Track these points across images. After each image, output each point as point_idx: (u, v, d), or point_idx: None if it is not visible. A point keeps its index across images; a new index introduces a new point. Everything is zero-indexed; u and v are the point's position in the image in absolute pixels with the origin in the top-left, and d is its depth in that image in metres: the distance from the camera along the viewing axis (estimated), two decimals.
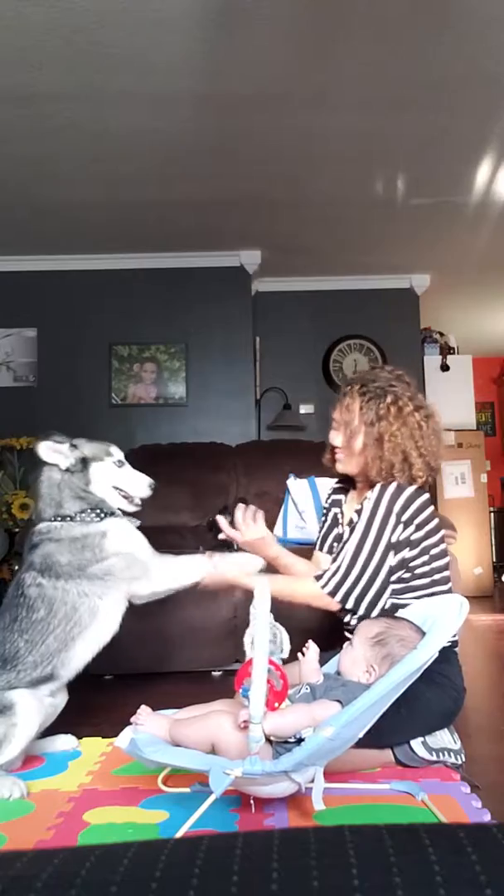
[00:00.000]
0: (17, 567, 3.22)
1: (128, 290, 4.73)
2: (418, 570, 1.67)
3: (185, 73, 2.82)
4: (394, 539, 1.64)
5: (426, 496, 1.71)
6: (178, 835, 1.23)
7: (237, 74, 2.84)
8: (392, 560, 1.65)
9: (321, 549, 1.97)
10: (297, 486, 3.24)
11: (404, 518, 1.65)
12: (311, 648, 1.52)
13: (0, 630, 1.66)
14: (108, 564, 1.70)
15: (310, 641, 1.54)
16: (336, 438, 1.80)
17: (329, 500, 2.00)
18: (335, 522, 1.95)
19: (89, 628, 1.67)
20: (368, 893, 0.35)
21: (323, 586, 1.67)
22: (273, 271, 4.91)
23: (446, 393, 5.53)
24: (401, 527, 1.65)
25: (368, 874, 0.36)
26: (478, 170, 3.63)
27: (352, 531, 1.69)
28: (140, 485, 1.87)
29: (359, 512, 1.71)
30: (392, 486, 1.67)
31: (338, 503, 1.96)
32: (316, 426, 4.75)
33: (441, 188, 3.84)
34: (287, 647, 1.46)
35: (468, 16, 2.53)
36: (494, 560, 5.85)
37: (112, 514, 1.78)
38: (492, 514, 6.18)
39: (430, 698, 1.56)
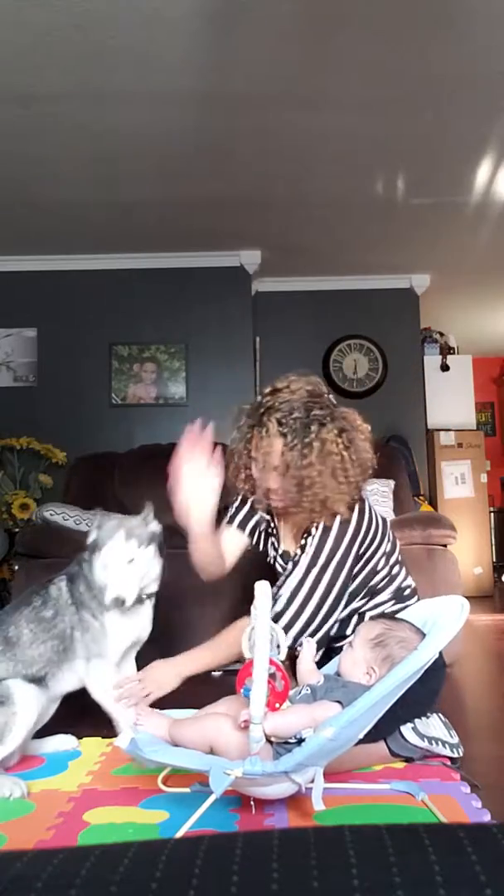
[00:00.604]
0: (16, 567, 3.22)
1: (128, 290, 4.73)
2: (378, 577, 1.68)
3: (185, 72, 2.82)
4: (350, 585, 1.63)
5: (366, 515, 1.66)
6: (178, 835, 1.23)
7: (237, 74, 2.84)
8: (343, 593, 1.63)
9: (231, 523, 1.86)
10: None
11: (365, 553, 1.64)
12: (306, 647, 1.51)
13: (13, 610, 1.72)
14: (90, 624, 1.68)
15: (304, 640, 1.54)
16: (255, 472, 1.68)
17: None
18: (262, 521, 1.85)
19: (74, 661, 1.69)
20: (368, 893, 0.35)
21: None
22: (273, 271, 4.91)
23: (446, 393, 5.54)
24: (364, 563, 1.64)
25: (368, 874, 0.36)
26: (478, 170, 3.63)
27: (295, 571, 1.62)
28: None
29: (302, 548, 1.64)
30: (334, 531, 1.60)
31: (265, 508, 1.82)
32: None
33: (441, 188, 3.84)
34: (285, 648, 1.46)
35: (468, 16, 2.53)
36: (494, 560, 5.85)
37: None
38: (492, 514, 6.18)
39: (415, 681, 1.55)
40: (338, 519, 1.61)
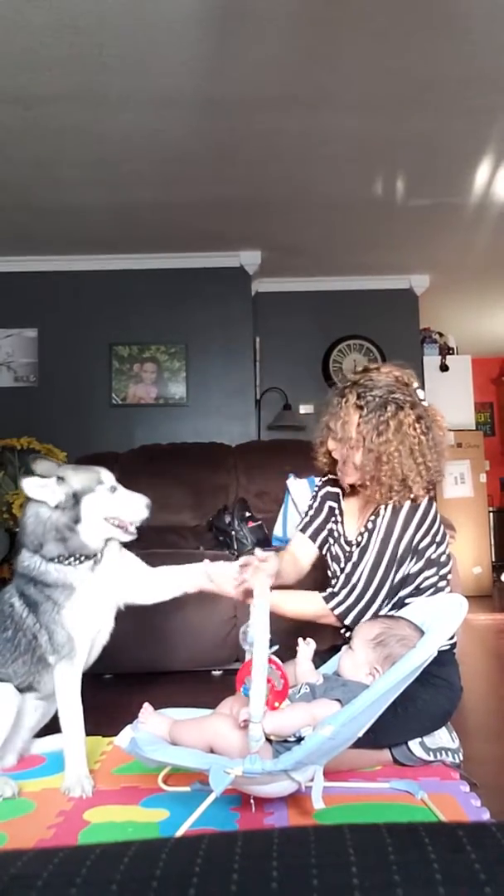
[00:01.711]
0: None
1: (128, 291, 4.73)
2: (427, 582, 1.68)
3: (185, 74, 2.82)
4: (408, 569, 1.64)
5: (434, 510, 1.69)
6: (179, 834, 1.23)
7: (237, 76, 2.84)
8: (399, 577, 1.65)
9: (304, 531, 1.89)
10: (297, 486, 3.24)
11: (420, 544, 1.65)
12: (304, 646, 1.52)
13: None
14: (52, 625, 1.61)
15: (301, 639, 1.54)
16: (335, 451, 1.72)
17: (322, 492, 1.89)
18: (331, 515, 1.87)
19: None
20: (368, 892, 0.35)
21: (333, 608, 1.64)
22: (273, 272, 4.91)
23: (446, 393, 5.53)
24: (416, 555, 1.65)
25: (368, 872, 0.36)
26: (477, 170, 3.63)
27: (362, 552, 1.65)
28: (136, 508, 1.71)
29: (368, 531, 1.66)
30: (404, 511, 1.63)
31: (333, 497, 1.86)
32: (316, 426, 4.74)
33: (441, 189, 3.84)
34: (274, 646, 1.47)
35: (468, 16, 2.53)
36: (493, 560, 5.85)
37: (93, 557, 1.65)
38: (491, 513, 6.18)
39: (428, 700, 1.56)
40: (407, 503, 1.63)
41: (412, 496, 1.63)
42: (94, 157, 3.45)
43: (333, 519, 1.86)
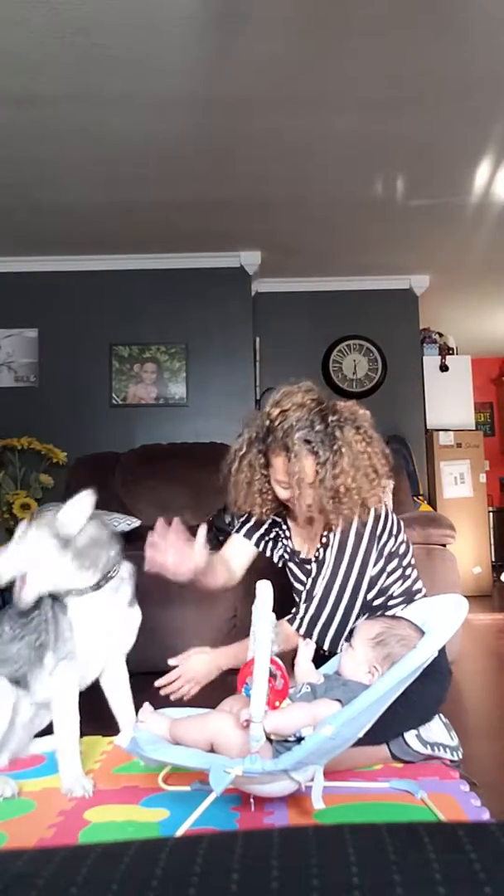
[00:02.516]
0: None
1: (128, 291, 4.73)
2: (391, 578, 1.68)
3: (185, 74, 2.82)
4: (372, 573, 1.64)
5: (386, 514, 1.68)
6: (179, 833, 1.23)
7: (237, 76, 2.84)
8: (366, 590, 1.64)
9: (239, 531, 1.86)
10: None
11: (379, 543, 1.65)
12: (303, 646, 1.52)
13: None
14: (58, 618, 1.62)
15: (301, 639, 1.54)
16: (284, 494, 1.66)
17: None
18: (275, 525, 1.84)
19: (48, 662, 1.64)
20: (368, 892, 0.35)
21: (297, 628, 1.63)
22: (273, 272, 4.91)
23: (445, 393, 5.54)
24: (381, 560, 1.65)
25: (368, 872, 0.36)
26: (477, 171, 3.63)
27: (320, 566, 1.64)
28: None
29: (324, 546, 1.65)
30: (355, 525, 1.61)
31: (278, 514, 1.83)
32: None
33: (440, 189, 3.84)
34: (311, 646, 1.48)
35: (468, 16, 2.53)
36: (493, 559, 5.86)
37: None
38: (490, 513, 6.18)
39: (418, 689, 1.56)
40: (356, 516, 1.61)
41: (367, 509, 1.62)
42: (93, 157, 3.44)
43: (280, 531, 1.83)
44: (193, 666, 1.66)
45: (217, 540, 3.36)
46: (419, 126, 3.23)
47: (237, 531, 1.87)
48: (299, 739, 1.29)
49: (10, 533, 4.15)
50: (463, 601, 1.50)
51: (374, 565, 1.65)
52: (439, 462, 5.38)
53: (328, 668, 1.60)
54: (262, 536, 1.87)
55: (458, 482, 5.41)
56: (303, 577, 1.77)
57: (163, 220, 4.17)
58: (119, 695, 1.71)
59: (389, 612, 1.67)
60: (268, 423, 1.65)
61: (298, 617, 1.65)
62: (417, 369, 5.27)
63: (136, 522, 3.24)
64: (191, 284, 4.73)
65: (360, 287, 5.14)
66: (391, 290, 5.16)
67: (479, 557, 5.38)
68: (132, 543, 3.26)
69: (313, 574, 1.67)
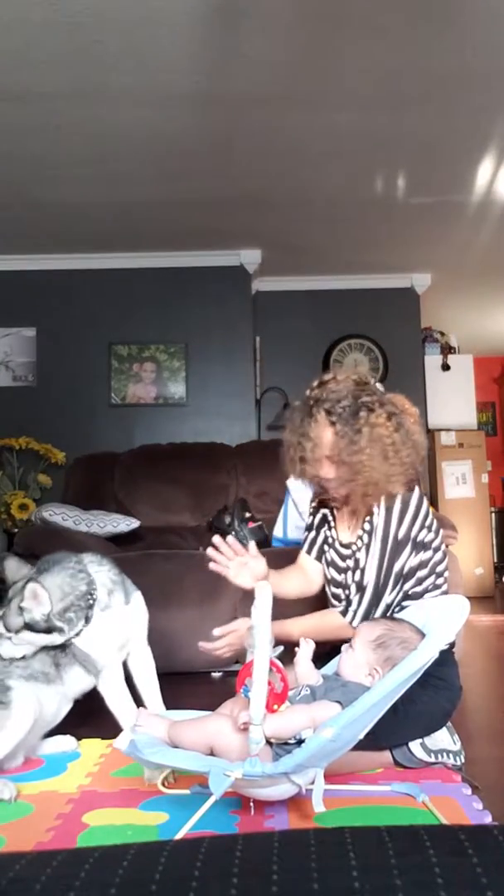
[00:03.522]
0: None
1: (128, 290, 4.73)
2: (426, 570, 1.70)
3: (184, 71, 2.81)
4: (406, 560, 1.66)
5: (420, 499, 1.70)
6: (178, 836, 1.22)
7: (237, 73, 2.84)
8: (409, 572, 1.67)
9: (309, 553, 1.91)
10: (297, 486, 3.24)
11: (412, 532, 1.66)
12: (304, 646, 1.51)
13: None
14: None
15: (301, 639, 1.53)
16: (308, 472, 1.70)
17: (315, 502, 1.91)
18: (324, 523, 1.88)
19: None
20: (369, 895, 0.34)
21: (351, 621, 1.65)
22: (273, 271, 4.91)
23: (447, 393, 5.53)
24: (413, 546, 1.67)
25: (369, 876, 0.36)
26: (478, 169, 3.63)
27: (365, 554, 1.66)
28: None
29: (367, 532, 1.68)
30: (397, 507, 1.65)
31: (327, 506, 1.86)
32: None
33: (442, 187, 3.84)
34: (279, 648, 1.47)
35: (468, 15, 2.53)
36: (495, 560, 5.85)
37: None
38: (493, 514, 6.17)
39: (428, 701, 1.56)
40: (398, 498, 1.64)
41: (394, 495, 1.65)
42: (93, 154, 3.44)
43: (327, 525, 1.87)
44: (240, 632, 1.68)
45: None
46: (420, 124, 3.23)
47: (308, 552, 1.91)
48: (299, 742, 1.28)
49: (8, 533, 4.11)
50: (464, 602, 1.49)
51: (410, 551, 1.66)
52: (441, 462, 5.38)
53: (328, 669, 1.60)
54: (320, 548, 1.90)
55: (459, 482, 5.41)
56: (340, 563, 1.78)
57: (162, 218, 4.17)
58: (145, 679, 1.76)
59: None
60: (308, 391, 1.72)
61: (352, 610, 1.66)
62: (419, 368, 5.26)
63: (135, 523, 3.24)
64: (191, 283, 4.73)
65: (361, 286, 5.14)
66: (392, 288, 5.16)
67: (482, 558, 5.38)
68: (133, 544, 3.27)
69: (361, 564, 1.67)
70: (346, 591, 1.72)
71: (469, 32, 2.62)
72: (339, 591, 1.78)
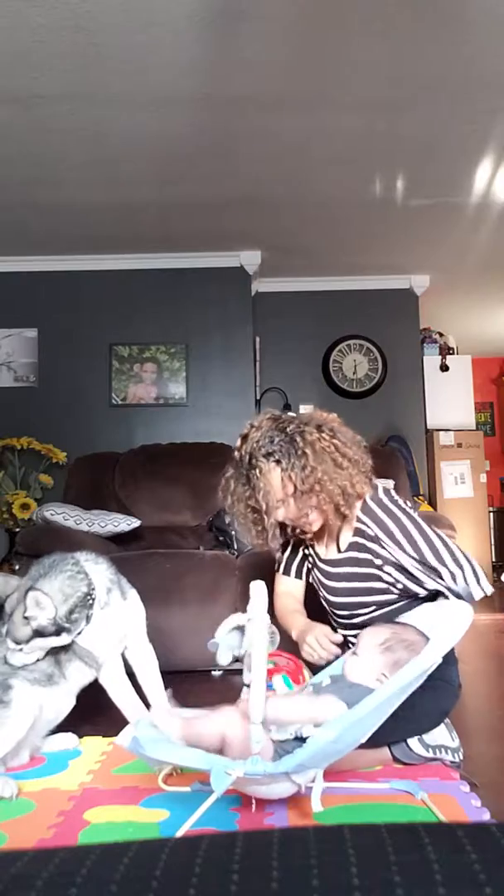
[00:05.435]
0: (17, 567, 3.22)
1: (128, 291, 4.73)
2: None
3: (185, 73, 2.82)
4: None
5: (389, 489, 1.74)
6: (179, 834, 1.23)
7: (237, 75, 2.84)
8: None
9: (287, 573, 1.87)
10: None
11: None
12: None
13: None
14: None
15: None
16: (269, 519, 1.65)
17: (290, 544, 1.88)
18: (300, 542, 1.85)
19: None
20: (368, 892, 0.35)
21: (478, 598, 1.62)
22: (273, 271, 4.91)
23: (446, 393, 5.53)
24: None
25: (368, 873, 0.36)
26: (477, 170, 3.63)
27: (409, 545, 1.62)
28: None
29: (373, 539, 1.65)
30: (380, 493, 1.66)
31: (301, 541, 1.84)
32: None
33: (441, 188, 3.84)
34: (277, 640, 1.48)
35: (467, 17, 2.53)
36: (493, 560, 5.85)
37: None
38: (491, 514, 6.18)
39: (427, 699, 1.56)
40: (379, 487, 1.65)
41: (360, 494, 1.64)
42: (93, 156, 3.44)
43: (303, 545, 1.84)
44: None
45: (217, 540, 3.36)
46: (419, 125, 3.23)
47: (285, 573, 1.88)
48: (301, 740, 1.29)
49: (10, 533, 4.11)
50: (468, 609, 1.49)
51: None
52: (440, 462, 5.38)
53: (334, 669, 1.60)
54: (299, 566, 1.88)
55: (458, 482, 5.41)
56: (328, 583, 1.76)
57: (163, 219, 4.17)
58: (148, 675, 1.78)
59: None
60: (236, 453, 1.69)
61: (469, 588, 1.64)
62: (418, 369, 5.27)
63: (136, 522, 3.24)
64: (191, 284, 4.73)
65: (361, 287, 5.14)
66: (391, 289, 5.16)
67: (480, 558, 5.37)
68: (133, 543, 3.27)
69: (412, 554, 1.63)
70: (399, 586, 1.67)
71: (468, 35, 2.62)
72: (349, 599, 1.73)
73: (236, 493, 1.70)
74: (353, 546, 1.70)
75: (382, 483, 1.71)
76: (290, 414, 1.73)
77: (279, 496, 1.62)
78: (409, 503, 1.71)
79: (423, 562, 1.61)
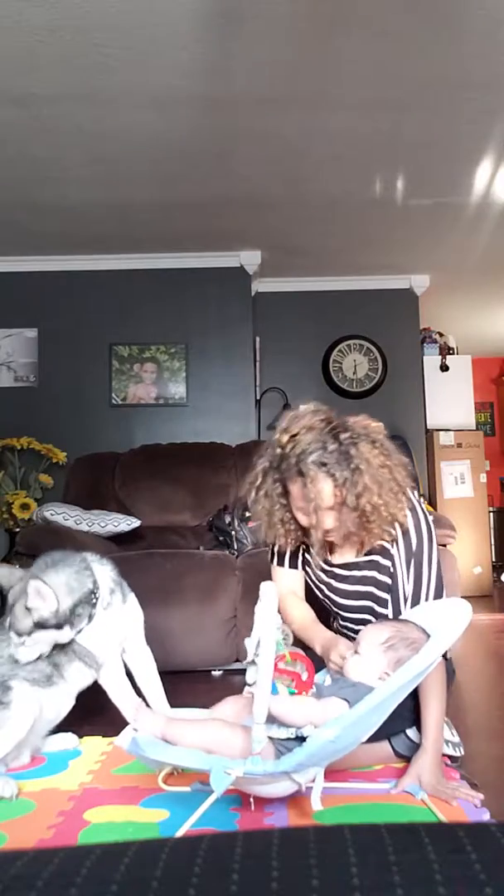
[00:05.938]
0: (17, 567, 3.22)
1: (128, 291, 4.73)
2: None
3: (184, 74, 2.82)
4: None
5: (427, 518, 1.70)
6: (179, 834, 1.23)
7: (237, 75, 2.84)
8: None
9: (281, 564, 1.81)
10: None
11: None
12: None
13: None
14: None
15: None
16: (306, 520, 1.59)
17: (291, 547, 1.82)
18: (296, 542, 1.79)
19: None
20: (368, 892, 0.35)
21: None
22: (273, 271, 4.91)
23: (446, 393, 5.54)
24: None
25: (368, 873, 0.36)
26: (477, 170, 3.63)
27: (418, 572, 1.63)
28: None
29: (389, 556, 1.65)
30: (413, 525, 1.64)
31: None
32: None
33: (441, 189, 3.84)
34: (290, 640, 1.48)
35: (467, 18, 2.53)
36: (493, 560, 5.85)
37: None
38: (491, 513, 6.18)
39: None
40: (409, 519, 1.63)
41: (402, 523, 1.62)
42: (93, 156, 3.44)
43: (305, 549, 1.80)
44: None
45: (217, 540, 3.36)
46: (419, 125, 3.23)
47: (279, 564, 1.82)
48: (301, 739, 1.29)
49: (10, 533, 4.11)
50: (467, 606, 1.49)
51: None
52: (440, 462, 5.38)
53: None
54: (293, 555, 1.83)
55: (458, 482, 5.41)
56: (330, 595, 1.75)
57: (162, 219, 4.17)
58: (147, 678, 1.79)
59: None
60: (279, 450, 1.58)
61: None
62: (418, 369, 5.27)
63: (136, 522, 3.24)
64: (191, 284, 4.73)
65: (361, 287, 5.14)
66: (391, 289, 5.16)
67: (480, 558, 5.38)
68: (133, 543, 3.27)
69: (417, 577, 1.64)
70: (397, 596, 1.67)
71: (468, 35, 2.62)
72: (361, 602, 1.71)
73: (265, 487, 1.63)
74: (377, 550, 1.67)
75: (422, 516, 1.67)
76: (342, 417, 1.63)
77: (326, 504, 1.55)
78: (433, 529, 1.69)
79: (415, 596, 1.63)
